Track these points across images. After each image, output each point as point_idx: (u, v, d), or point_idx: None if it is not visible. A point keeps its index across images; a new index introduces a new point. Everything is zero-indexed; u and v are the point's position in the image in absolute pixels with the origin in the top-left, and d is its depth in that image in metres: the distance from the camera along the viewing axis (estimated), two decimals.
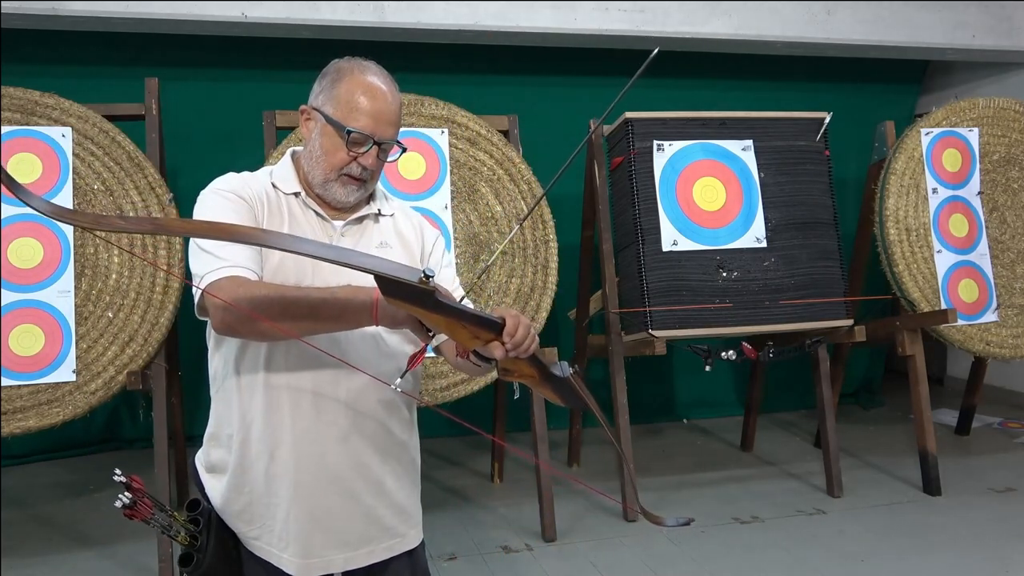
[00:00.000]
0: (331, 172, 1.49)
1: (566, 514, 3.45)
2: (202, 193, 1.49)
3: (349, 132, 1.45)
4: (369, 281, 1.26)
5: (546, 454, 3.36)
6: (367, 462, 1.53)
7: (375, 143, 1.48)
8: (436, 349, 1.63)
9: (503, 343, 1.30)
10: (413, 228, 1.65)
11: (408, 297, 1.22)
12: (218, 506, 1.54)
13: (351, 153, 1.47)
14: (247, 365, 1.48)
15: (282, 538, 1.51)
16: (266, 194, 1.50)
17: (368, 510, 1.54)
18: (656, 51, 1.28)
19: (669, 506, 3.62)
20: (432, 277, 1.19)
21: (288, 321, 1.33)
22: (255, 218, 1.47)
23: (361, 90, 1.47)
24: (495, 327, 1.28)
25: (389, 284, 1.20)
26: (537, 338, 1.36)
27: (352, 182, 1.50)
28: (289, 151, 1.60)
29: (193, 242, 1.44)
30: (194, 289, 1.41)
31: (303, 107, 1.53)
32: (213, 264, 1.38)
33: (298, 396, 1.47)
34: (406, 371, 1.40)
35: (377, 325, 1.35)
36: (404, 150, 1.55)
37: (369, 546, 1.56)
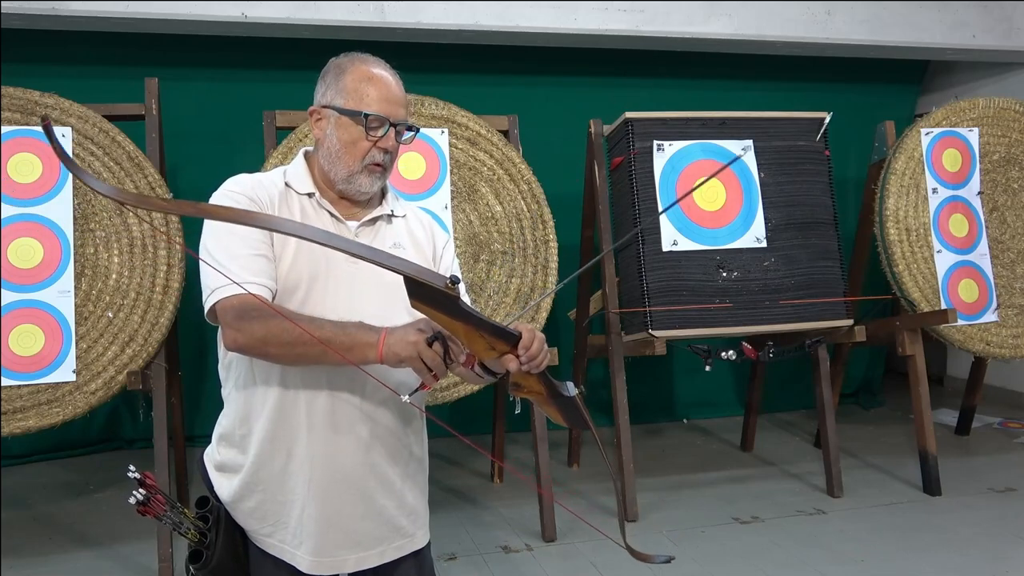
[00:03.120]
0: (355, 164, 1.50)
1: (566, 514, 3.44)
2: (215, 196, 1.50)
3: (367, 116, 1.47)
4: (376, 320, 1.32)
5: (546, 455, 3.36)
6: (380, 462, 1.53)
7: (391, 124, 1.49)
8: None
9: (517, 356, 1.30)
10: (424, 230, 1.65)
11: (432, 301, 1.23)
12: (227, 504, 1.55)
13: (371, 138, 1.48)
14: (262, 365, 1.47)
15: (296, 535, 1.51)
16: (279, 195, 1.51)
17: (380, 510, 1.55)
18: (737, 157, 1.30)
19: (669, 506, 3.63)
20: (458, 283, 1.20)
21: (297, 349, 1.35)
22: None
23: (366, 78, 1.49)
24: (512, 339, 1.29)
25: (416, 286, 1.21)
26: (548, 355, 1.36)
27: (376, 169, 1.52)
28: (301, 151, 1.60)
29: (204, 242, 1.44)
30: (204, 297, 1.41)
31: (312, 108, 1.54)
32: (224, 280, 1.38)
33: (314, 396, 1.47)
34: (416, 390, 1.40)
35: (382, 363, 1.36)
36: (417, 131, 1.57)
37: (380, 546, 1.56)
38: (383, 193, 1.61)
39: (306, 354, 1.36)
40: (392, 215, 1.60)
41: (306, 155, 1.59)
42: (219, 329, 1.46)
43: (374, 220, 1.57)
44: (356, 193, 1.53)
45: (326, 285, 1.46)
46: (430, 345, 1.31)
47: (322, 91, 1.52)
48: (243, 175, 1.53)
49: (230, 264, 1.39)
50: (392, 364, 1.35)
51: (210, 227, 1.46)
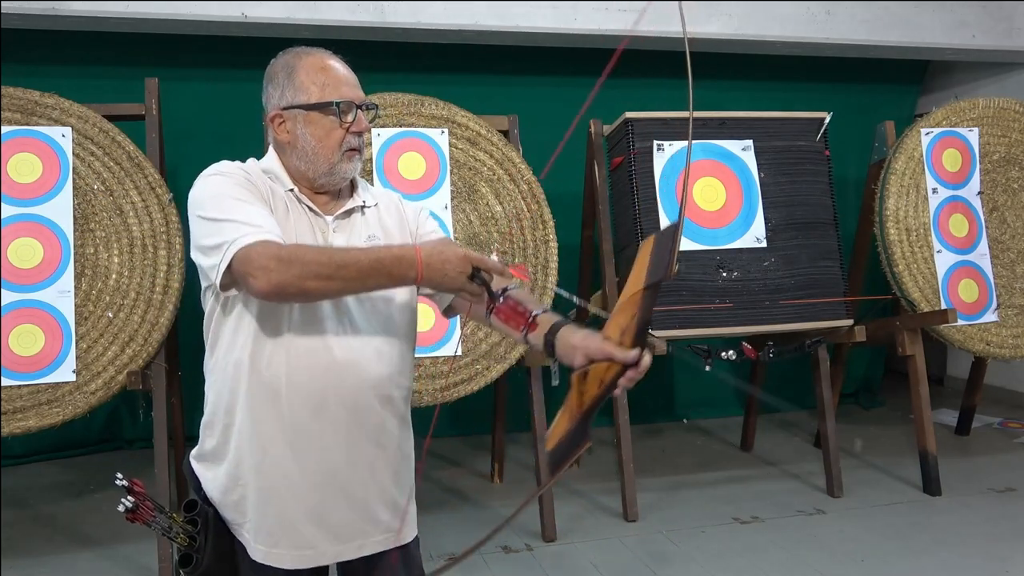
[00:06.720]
0: (334, 154, 1.51)
1: (566, 514, 3.45)
2: (204, 179, 1.46)
3: (338, 104, 1.48)
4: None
5: (546, 454, 3.35)
6: (362, 457, 1.52)
7: (357, 107, 1.52)
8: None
9: (632, 364, 1.26)
10: (395, 213, 1.65)
11: (666, 258, 1.23)
12: (215, 498, 1.53)
13: (344, 124, 1.50)
14: (246, 357, 1.46)
15: (272, 534, 1.50)
16: (268, 187, 1.50)
17: (362, 504, 1.53)
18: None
19: (669, 506, 3.63)
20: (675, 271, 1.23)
21: (336, 283, 1.36)
22: (269, 208, 1.47)
23: (319, 68, 1.51)
24: (639, 349, 1.26)
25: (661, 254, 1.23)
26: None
27: (355, 154, 1.54)
28: (272, 146, 1.58)
29: (203, 215, 1.41)
30: (220, 260, 1.35)
31: (273, 114, 1.53)
32: (243, 229, 1.35)
33: (295, 391, 1.46)
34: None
35: (420, 282, 1.39)
36: (377, 107, 1.60)
37: (359, 540, 1.55)
38: (352, 184, 1.61)
39: (346, 286, 1.38)
40: (364, 206, 1.59)
41: (277, 151, 1.57)
42: (204, 318, 1.46)
43: (348, 212, 1.57)
44: (339, 182, 1.54)
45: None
46: (471, 279, 1.37)
47: (277, 94, 1.52)
48: (226, 162, 1.50)
49: (244, 218, 1.37)
50: (433, 286, 1.43)
51: (211, 195, 1.42)
